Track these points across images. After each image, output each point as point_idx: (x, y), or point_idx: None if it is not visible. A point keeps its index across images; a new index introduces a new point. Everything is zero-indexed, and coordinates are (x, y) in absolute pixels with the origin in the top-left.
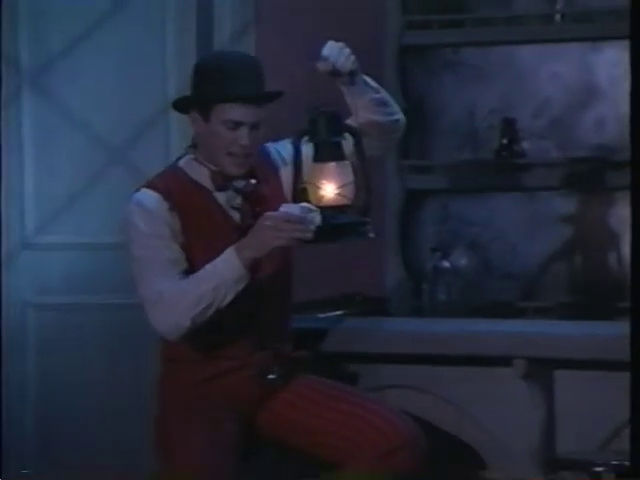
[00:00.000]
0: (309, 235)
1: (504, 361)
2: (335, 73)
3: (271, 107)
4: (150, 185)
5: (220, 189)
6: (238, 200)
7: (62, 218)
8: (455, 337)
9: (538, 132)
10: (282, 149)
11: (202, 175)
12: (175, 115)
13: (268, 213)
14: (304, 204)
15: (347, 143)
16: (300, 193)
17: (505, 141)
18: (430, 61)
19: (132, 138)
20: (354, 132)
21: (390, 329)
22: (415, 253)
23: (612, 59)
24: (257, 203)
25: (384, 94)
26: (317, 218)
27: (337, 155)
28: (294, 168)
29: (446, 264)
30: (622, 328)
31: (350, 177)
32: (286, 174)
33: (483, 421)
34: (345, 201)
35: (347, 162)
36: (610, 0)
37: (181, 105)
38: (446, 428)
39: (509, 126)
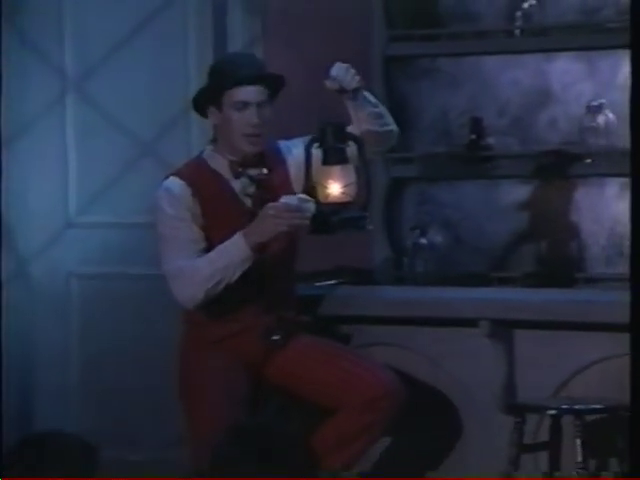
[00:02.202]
0: (306, 222)
1: (472, 322)
2: (341, 91)
3: (279, 111)
4: (177, 173)
5: (236, 177)
6: (251, 188)
7: (100, 201)
8: (431, 302)
9: (501, 129)
10: (293, 146)
11: (221, 165)
12: (196, 114)
13: (271, 203)
14: (301, 195)
15: (351, 149)
16: (310, 191)
17: (474, 137)
18: (410, 69)
19: (159, 134)
20: (357, 139)
21: (376, 296)
22: (397, 231)
23: (563, 67)
24: (267, 191)
25: (381, 108)
26: (312, 207)
27: (342, 159)
28: (305, 169)
29: (423, 240)
30: (570, 294)
31: (353, 178)
32: (294, 167)
33: (454, 373)
34: (348, 198)
35: (350, 165)
36: (561, 17)
37: (199, 104)
38: (423, 379)
39: (477, 124)
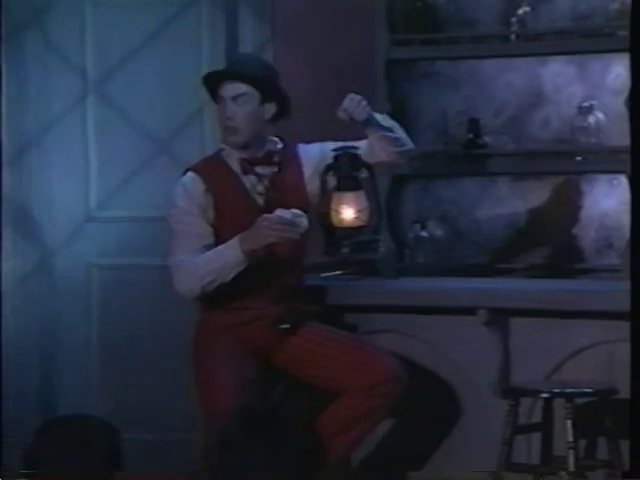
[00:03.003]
0: (297, 236)
1: (470, 311)
2: (352, 121)
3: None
4: (194, 168)
5: (245, 173)
6: (260, 186)
7: (118, 197)
8: (431, 292)
9: (497, 129)
10: (310, 149)
11: (233, 161)
12: (208, 114)
13: (265, 215)
14: (295, 210)
15: (363, 175)
16: (324, 216)
17: (471, 136)
18: (411, 72)
19: (174, 132)
20: (369, 167)
21: (380, 286)
22: (399, 225)
23: (555, 70)
24: (279, 191)
25: (396, 131)
26: (305, 222)
27: (355, 186)
28: (320, 195)
29: (424, 234)
30: (563, 284)
31: (365, 204)
32: (308, 170)
33: (453, 359)
34: (361, 223)
35: (362, 192)
36: (554, 24)
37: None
38: (424, 364)
39: (474, 124)
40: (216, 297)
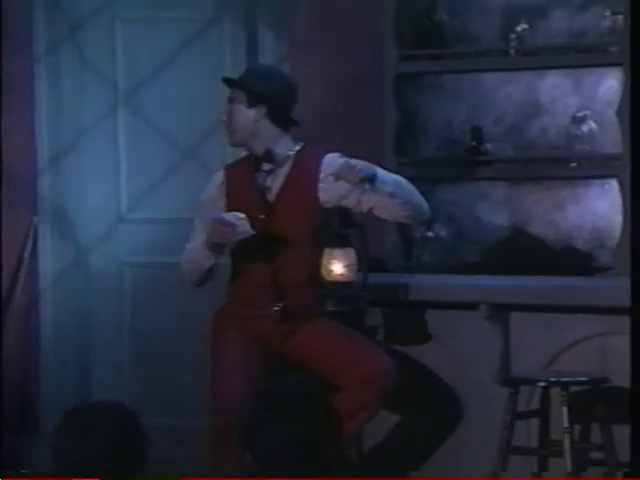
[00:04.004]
0: (236, 237)
1: (472, 306)
2: (348, 183)
3: (304, 120)
4: (226, 165)
5: (254, 170)
6: (268, 182)
7: (147, 200)
8: (436, 288)
9: (498, 137)
10: (334, 163)
11: (252, 158)
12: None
13: (214, 217)
14: (237, 213)
15: (353, 231)
16: (318, 269)
17: (474, 143)
18: (418, 84)
19: (199, 140)
20: (359, 226)
21: (388, 282)
22: (407, 226)
23: (552, 83)
24: (288, 187)
25: (399, 196)
26: (246, 225)
27: (344, 243)
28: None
29: (430, 234)
30: (559, 281)
31: (353, 259)
32: (324, 180)
33: (457, 350)
34: (348, 278)
35: (351, 249)
36: (550, 40)
37: None
38: (429, 356)
39: (476, 132)
40: (232, 288)
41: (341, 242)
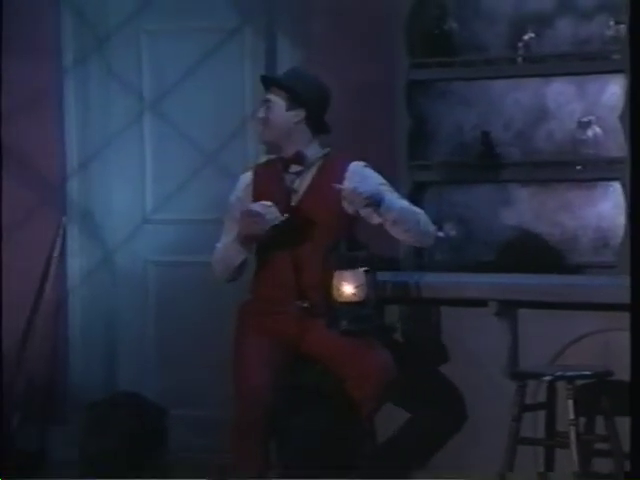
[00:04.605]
0: (265, 227)
1: (482, 303)
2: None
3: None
4: (254, 166)
5: (284, 171)
6: (296, 184)
7: (171, 202)
8: (447, 286)
9: (506, 141)
10: (359, 172)
11: (280, 160)
12: (251, 129)
13: (241, 211)
14: (264, 202)
15: (362, 253)
16: (328, 291)
17: (483, 147)
18: (430, 91)
19: (221, 145)
20: (366, 248)
21: (401, 280)
22: None
23: (558, 89)
24: (314, 190)
25: (402, 223)
26: (275, 213)
27: (352, 265)
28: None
29: (441, 234)
30: (564, 279)
31: (362, 280)
32: (348, 185)
33: (467, 345)
34: (359, 298)
35: (360, 270)
36: (556, 48)
37: None
38: (440, 350)
39: (486, 137)
40: (253, 285)
41: (350, 264)
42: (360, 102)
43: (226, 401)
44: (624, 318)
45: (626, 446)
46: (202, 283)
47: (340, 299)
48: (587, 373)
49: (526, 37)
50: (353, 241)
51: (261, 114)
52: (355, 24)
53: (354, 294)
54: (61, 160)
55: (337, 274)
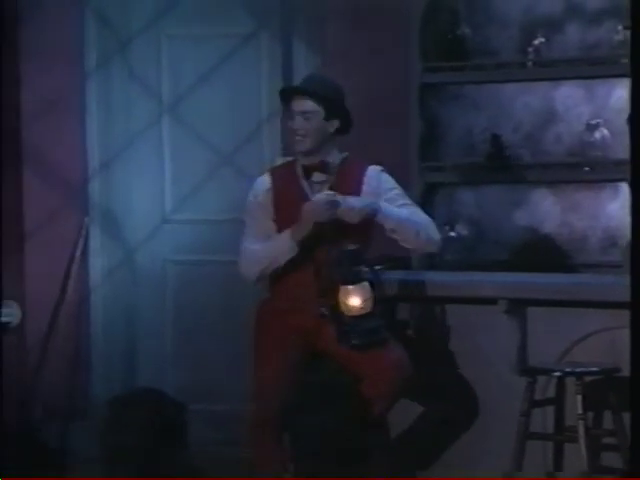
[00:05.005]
0: (335, 213)
1: (492, 301)
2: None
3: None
4: (270, 169)
5: (305, 177)
6: (317, 191)
7: (189, 202)
8: (458, 284)
9: (516, 143)
10: (376, 177)
11: (299, 166)
12: (266, 132)
13: (307, 202)
14: (328, 192)
15: (366, 268)
16: (335, 306)
17: (493, 149)
18: (441, 94)
19: (237, 147)
20: (370, 262)
21: (413, 279)
22: None
23: (566, 93)
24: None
25: (398, 224)
26: (340, 199)
27: (357, 279)
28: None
29: (452, 234)
30: (573, 278)
31: (369, 293)
32: (367, 189)
33: (478, 342)
34: (367, 311)
35: (366, 283)
36: (565, 53)
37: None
38: (452, 348)
39: (496, 139)
40: (273, 284)
41: (355, 279)
42: (374, 104)
43: (243, 396)
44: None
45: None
46: (219, 281)
47: (348, 313)
48: (595, 369)
49: (536, 42)
50: (357, 255)
51: (299, 125)
52: (370, 29)
53: (362, 307)
54: (83, 162)
55: (342, 289)
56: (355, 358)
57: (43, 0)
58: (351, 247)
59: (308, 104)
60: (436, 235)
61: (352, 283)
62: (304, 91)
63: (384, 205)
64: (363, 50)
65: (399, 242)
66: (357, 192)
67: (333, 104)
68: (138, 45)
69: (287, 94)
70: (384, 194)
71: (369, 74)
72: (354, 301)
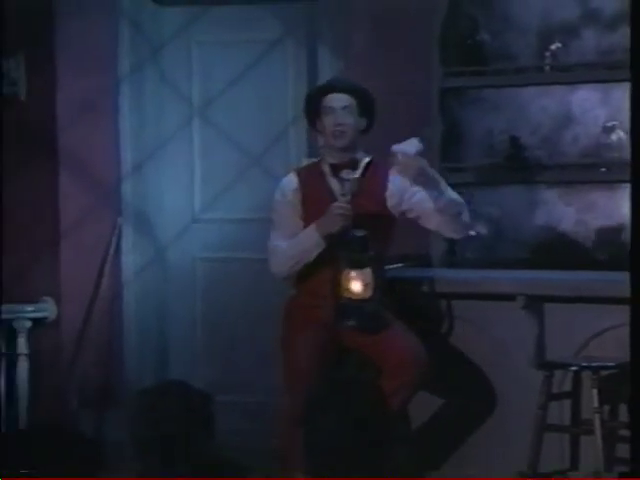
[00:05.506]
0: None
1: (510, 297)
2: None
3: None
4: (296, 169)
5: (333, 175)
6: (344, 189)
7: (219, 202)
8: (478, 281)
9: (534, 145)
10: (397, 178)
11: (325, 165)
12: (293, 134)
13: (336, 203)
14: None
15: (371, 254)
16: (336, 289)
17: (512, 151)
18: (462, 98)
19: (265, 149)
20: (373, 249)
21: (434, 276)
22: None
23: (583, 96)
24: (359, 195)
25: (447, 204)
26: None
27: (362, 265)
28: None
29: (472, 233)
30: (589, 275)
31: (369, 279)
32: (392, 188)
33: (497, 337)
34: (366, 295)
35: (368, 269)
36: (582, 57)
37: (309, 116)
38: (471, 342)
39: (514, 141)
40: (298, 281)
41: (359, 264)
42: (396, 108)
43: (270, 389)
44: None
45: None
46: (247, 278)
47: (348, 297)
48: (611, 364)
49: (553, 47)
50: (364, 241)
51: (342, 119)
52: (393, 35)
53: (363, 291)
54: (116, 163)
55: (345, 273)
56: (376, 347)
57: (79, 8)
58: (359, 233)
59: (347, 99)
60: (469, 220)
61: (356, 268)
62: (343, 84)
63: (444, 183)
64: (387, 56)
65: (437, 224)
66: (383, 190)
67: (366, 100)
68: (169, 51)
69: (324, 91)
70: (409, 191)
71: (392, 78)
72: (355, 286)
